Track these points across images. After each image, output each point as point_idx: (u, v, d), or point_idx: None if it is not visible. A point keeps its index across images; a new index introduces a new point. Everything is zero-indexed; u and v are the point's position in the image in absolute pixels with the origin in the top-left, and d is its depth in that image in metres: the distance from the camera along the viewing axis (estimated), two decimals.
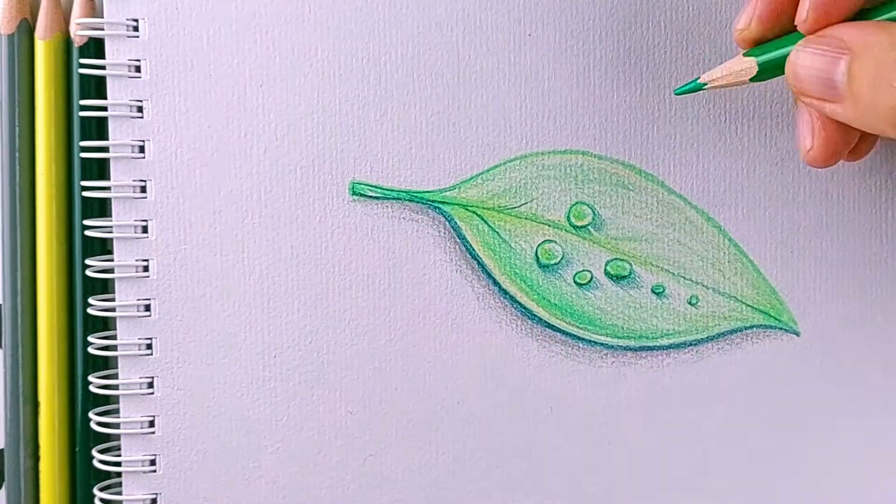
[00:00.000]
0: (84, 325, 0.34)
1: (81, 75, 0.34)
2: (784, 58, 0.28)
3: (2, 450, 0.35)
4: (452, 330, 0.34)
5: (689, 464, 0.34)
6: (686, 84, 0.31)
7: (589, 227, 0.34)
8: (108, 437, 0.34)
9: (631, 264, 0.34)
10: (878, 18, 0.27)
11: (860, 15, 0.27)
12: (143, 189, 0.33)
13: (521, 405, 0.34)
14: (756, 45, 0.29)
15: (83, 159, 0.34)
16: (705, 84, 0.30)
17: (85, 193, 0.34)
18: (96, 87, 0.34)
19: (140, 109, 0.33)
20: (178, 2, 0.33)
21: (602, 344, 0.34)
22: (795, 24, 0.28)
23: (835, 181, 0.34)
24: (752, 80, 0.29)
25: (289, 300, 0.33)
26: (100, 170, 0.34)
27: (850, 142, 0.29)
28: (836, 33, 0.27)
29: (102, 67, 0.33)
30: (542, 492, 0.34)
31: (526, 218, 0.34)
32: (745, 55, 0.29)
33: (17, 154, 0.34)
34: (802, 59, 0.27)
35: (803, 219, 0.34)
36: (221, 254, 0.33)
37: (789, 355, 0.34)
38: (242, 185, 0.33)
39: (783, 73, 0.28)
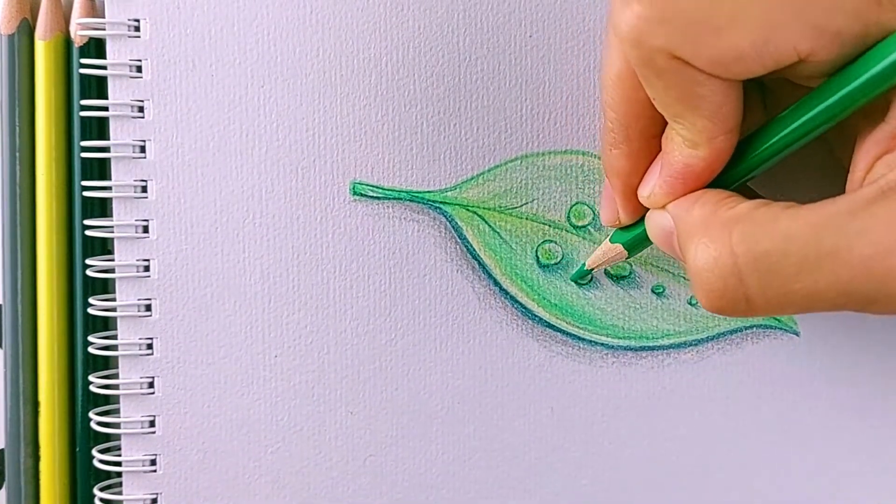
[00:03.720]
0: (84, 325, 0.34)
1: (82, 75, 0.34)
2: (644, 234, 0.29)
3: (2, 450, 0.35)
4: (453, 330, 0.34)
5: (689, 464, 0.34)
6: (577, 271, 0.33)
7: (589, 227, 0.34)
8: (108, 437, 0.34)
9: (631, 264, 0.34)
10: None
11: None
12: (144, 189, 0.33)
13: (521, 405, 0.34)
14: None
15: (83, 159, 0.34)
16: (591, 270, 0.33)
17: (85, 193, 0.34)
18: (97, 87, 0.34)
19: (141, 109, 0.33)
20: (180, 2, 0.33)
21: (602, 344, 0.34)
22: (638, 198, 0.29)
23: (835, 182, 0.34)
24: (628, 259, 0.32)
25: (289, 300, 0.33)
26: (100, 170, 0.34)
27: None
28: (668, 209, 0.27)
29: (103, 67, 0.33)
30: (542, 492, 0.34)
31: (526, 218, 0.34)
32: (611, 241, 0.31)
33: (17, 154, 0.34)
34: (651, 231, 0.29)
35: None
36: (222, 254, 0.33)
37: (789, 355, 0.34)
38: (243, 185, 0.33)
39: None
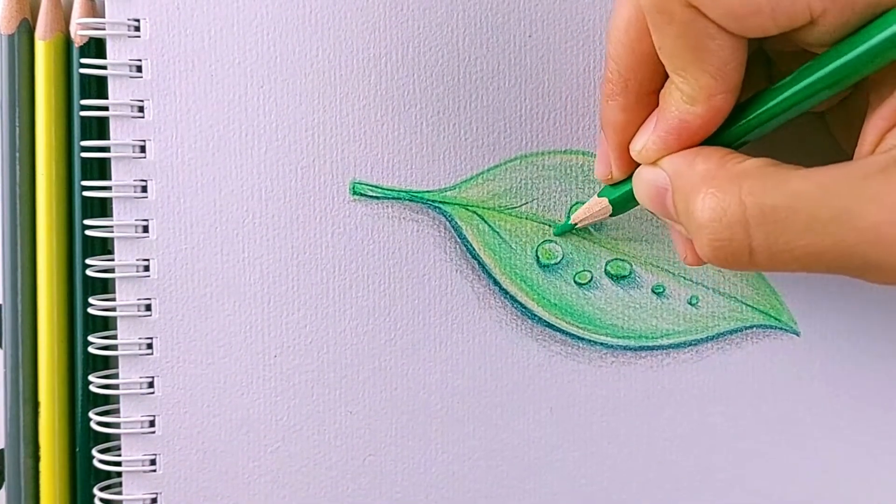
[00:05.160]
0: (84, 324, 0.34)
1: (82, 75, 0.34)
2: (632, 194, 0.29)
3: (2, 450, 0.35)
4: (452, 330, 0.34)
5: (689, 464, 0.34)
6: (561, 225, 0.33)
7: (589, 227, 0.34)
8: (108, 437, 0.34)
9: (631, 264, 0.34)
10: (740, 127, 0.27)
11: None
12: (144, 189, 0.33)
13: (521, 405, 0.34)
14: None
15: (83, 159, 0.34)
16: (575, 224, 0.33)
17: (85, 193, 0.34)
18: (97, 87, 0.34)
19: (141, 109, 0.33)
20: (180, 2, 0.33)
21: (602, 344, 0.34)
22: (630, 152, 0.29)
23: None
24: (612, 214, 0.31)
25: (289, 300, 0.33)
26: (100, 170, 0.34)
27: None
28: (662, 164, 0.27)
29: (103, 67, 0.33)
30: (541, 492, 0.34)
31: (526, 218, 0.34)
32: (598, 195, 0.31)
33: (17, 154, 0.34)
34: (640, 188, 0.29)
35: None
36: (222, 253, 0.33)
37: (789, 355, 0.34)
38: (243, 185, 0.33)
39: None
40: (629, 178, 0.30)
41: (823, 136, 0.30)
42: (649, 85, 0.27)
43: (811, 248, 0.23)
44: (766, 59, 0.29)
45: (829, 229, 0.23)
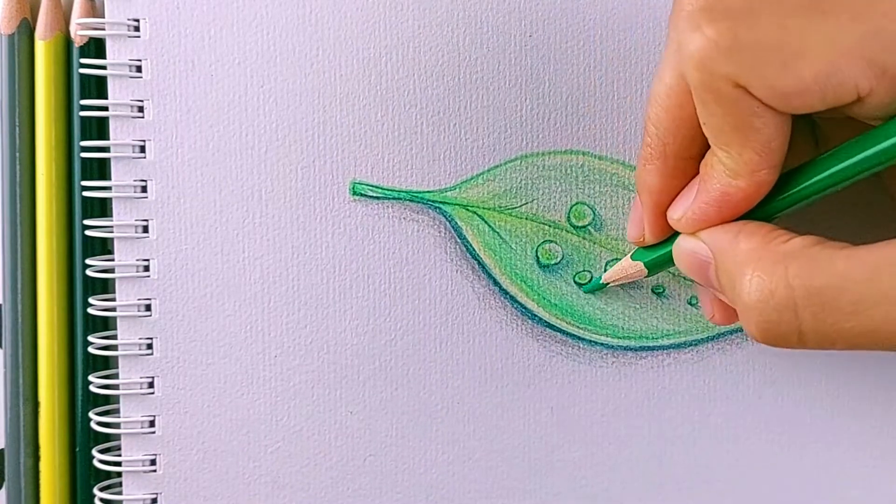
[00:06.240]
0: (84, 324, 0.34)
1: (82, 75, 0.34)
2: (668, 256, 0.29)
3: (2, 450, 0.35)
4: (453, 330, 0.34)
5: (689, 464, 0.34)
6: (591, 283, 0.33)
7: (589, 228, 0.34)
8: (108, 437, 0.34)
9: None
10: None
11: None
12: (144, 189, 0.33)
13: (521, 405, 0.34)
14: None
15: (83, 159, 0.34)
16: (606, 284, 0.33)
17: (85, 193, 0.34)
18: (97, 87, 0.34)
19: (141, 109, 0.33)
20: (180, 2, 0.33)
21: (602, 344, 0.34)
22: (667, 219, 0.29)
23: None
24: (648, 275, 0.31)
25: (289, 300, 0.33)
26: (100, 170, 0.34)
27: None
28: (703, 237, 0.27)
29: (103, 67, 0.33)
30: (542, 492, 0.34)
31: (526, 218, 0.34)
32: (632, 258, 0.31)
33: (17, 154, 0.34)
34: (681, 258, 0.29)
35: (802, 218, 0.34)
36: (222, 253, 0.33)
37: (789, 355, 0.34)
38: (243, 185, 0.33)
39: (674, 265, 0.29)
40: (663, 242, 0.30)
41: (879, 193, 0.30)
42: (688, 151, 0.27)
43: (861, 328, 0.23)
44: (812, 122, 0.29)
45: (879, 309, 0.23)
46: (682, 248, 0.28)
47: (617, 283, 0.33)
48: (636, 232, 0.31)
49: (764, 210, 0.27)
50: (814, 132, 0.29)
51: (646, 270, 0.31)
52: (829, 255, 0.24)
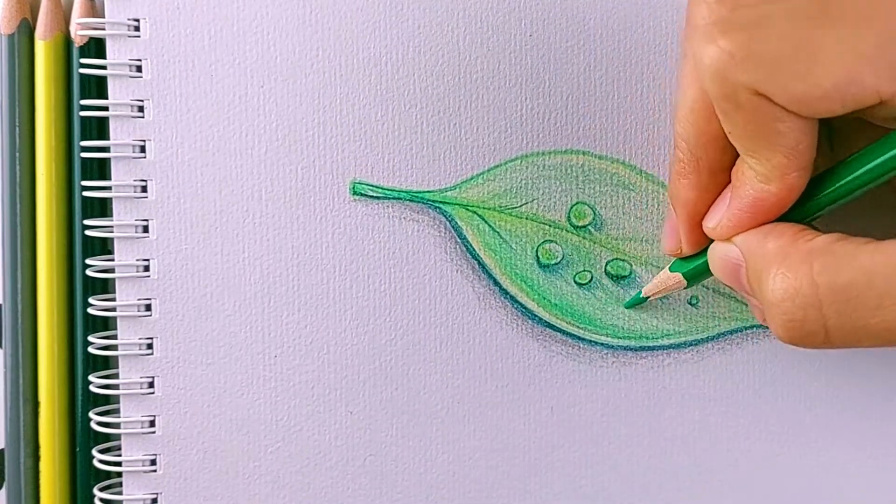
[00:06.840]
0: (84, 325, 0.34)
1: (82, 75, 0.34)
2: (706, 266, 0.30)
3: (2, 450, 0.35)
4: (453, 330, 0.34)
5: (689, 464, 0.34)
6: (633, 298, 0.33)
7: (589, 227, 0.34)
8: (108, 437, 0.34)
9: (631, 264, 0.34)
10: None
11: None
12: (144, 189, 0.33)
13: (521, 405, 0.34)
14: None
15: (83, 159, 0.34)
16: (647, 297, 0.33)
17: (85, 193, 0.34)
18: (97, 87, 0.34)
19: (141, 109, 0.33)
20: (180, 2, 0.33)
21: (602, 344, 0.34)
22: (703, 228, 0.29)
23: None
24: (687, 287, 0.32)
25: (289, 300, 0.33)
26: (100, 170, 0.34)
27: None
28: (735, 240, 0.27)
29: (103, 67, 0.33)
30: (542, 492, 0.34)
31: (526, 218, 0.34)
32: (670, 269, 0.32)
33: (17, 154, 0.34)
34: (715, 263, 0.29)
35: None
36: (222, 253, 0.33)
37: (789, 355, 0.34)
38: (243, 185, 0.33)
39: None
40: (700, 252, 0.30)
41: (889, 194, 0.30)
42: (720, 163, 0.27)
43: (887, 324, 0.23)
44: (828, 125, 0.29)
45: None
46: (716, 252, 0.29)
47: (657, 297, 0.33)
48: (672, 244, 0.31)
49: (797, 213, 0.27)
50: (829, 135, 0.29)
51: (685, 282, 0.31)
52: (853, 251, 0.24)
